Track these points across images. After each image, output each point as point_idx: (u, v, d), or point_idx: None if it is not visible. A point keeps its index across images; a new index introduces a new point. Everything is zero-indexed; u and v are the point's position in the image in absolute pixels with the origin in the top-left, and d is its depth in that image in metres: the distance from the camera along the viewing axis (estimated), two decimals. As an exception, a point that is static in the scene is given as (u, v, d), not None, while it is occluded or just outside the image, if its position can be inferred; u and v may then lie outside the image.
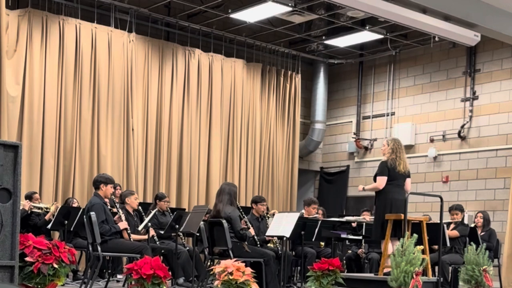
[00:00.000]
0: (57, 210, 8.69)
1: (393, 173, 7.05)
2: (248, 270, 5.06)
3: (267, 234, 8.14)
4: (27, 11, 10.34)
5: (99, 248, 6.80)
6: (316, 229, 8.38)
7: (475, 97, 12.28)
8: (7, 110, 9.91)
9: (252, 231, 7.94)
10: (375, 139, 13.90)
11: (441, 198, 7.31)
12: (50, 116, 10.49)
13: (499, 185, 11.78)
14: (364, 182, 13.73)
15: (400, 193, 7.06)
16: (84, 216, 7.08)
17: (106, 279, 8.33)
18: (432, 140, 12.81)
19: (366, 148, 14.04)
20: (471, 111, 12.28)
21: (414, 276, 5.80)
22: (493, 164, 11.89)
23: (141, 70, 11.56)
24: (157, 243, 8.34)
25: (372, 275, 7.54)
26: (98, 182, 7.18)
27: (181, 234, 8.59)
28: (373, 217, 7.37)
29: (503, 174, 11.72)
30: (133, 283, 4.73)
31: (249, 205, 9.58)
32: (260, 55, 13.31)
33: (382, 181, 7.06)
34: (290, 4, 10.92)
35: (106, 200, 7.27)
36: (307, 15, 11.71)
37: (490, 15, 8.50)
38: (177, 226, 8.09)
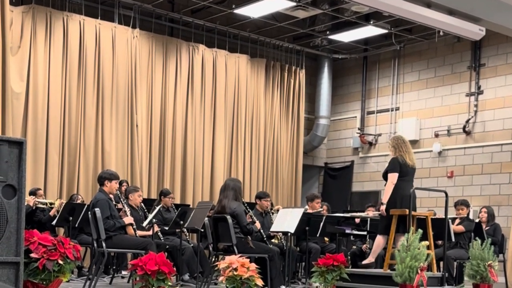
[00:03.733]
0: (62, 207, 8.71)
1: (404, 168, 7.09)
2: (253, 266, 5.05)
3: (271, 229, 8.14)
4: (31, 7, 10.34)
5: (103, 244, 6.81)
6: (321, 225, 8.38)
7: (480, 91, 12.24)
8: (11, 106, 9.92)
9: (258, 225, 7.94)
10: (379, 134, 13.87)
11: (446, 193, 7.30)
12: (54, 112, 10.51)
13: (504, 180, 11.75)
14: (369, 177, 13.79)
15: (409, 189, 7.07)
16: (89, 212, 7.09)
17: (111, 275, 8.36)
18: (437, 135, 12.78)
19: (370, 144, 14.01)
20: (476, 105, 12.25)
21: (419, 271, 5.79)
22: (498, 159, 11.86)
23: (145, 66, 11.55)
24: (162, 239, 8.35)
25: (376, 270, 7.53)
26: (103, 178, 7.18)
27: (185, 230, 8.59)
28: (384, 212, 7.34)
29: (508, 169, 11.69)
30: (138, 279, 4.73)
31: (253, 200, 9.57)
32: (264, 50, 13.29)
33: (393, 178, 7.05)
34: (294, -1, 10.89)
35: (111, 196, 7.27)
36: (311, 10, 11.68)
37: (495, 9, 8.45)
38: (181, 222, 8.10)
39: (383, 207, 7.21)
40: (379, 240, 7.20)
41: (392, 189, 7.06)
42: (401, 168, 7.06)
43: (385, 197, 7.18)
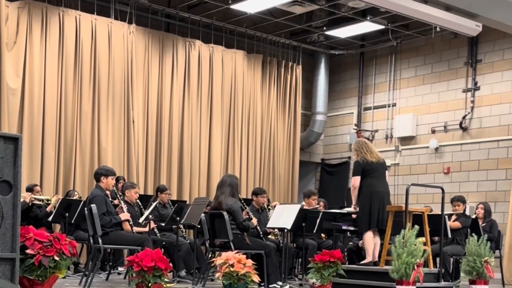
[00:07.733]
0: (58, 202, 8.69)
1: (369, 167, 7.13)
2: (249, 262, 5.05)
3: (268, 226, 8.13)
4: (26, 2, 10.30)
5: (100, 241, 6.80)
6: (317, 221, 8.37)
7: (477, 87, 12.25)
8: (7, 102, 9.90)
9: (254, 221, 7.93)
10: (376, 131, 13.87)
11: (443, 190, 7.31)
12: (50, 108, 10.48)
13: (500, 176, 11.76)
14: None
15: (381, 185, 7.18)
16: (85, 209, 7.07)
17: (107, 272, 8.35)
18: (433, 131, 12.79)
19: (367, 139, 14.00)
20: (472, 101, 12.25)
21: (416, 267, 5.80)
22: (495, 155, 11.87)
23: (141, 62, 11.53)
24: (158, 235, 8.34)
25: (373, 266, 7.53)
26: (99, 174, 7.17)
27: (182, 226, 8.58)
28: (357, 210, 7.37)
29: (505, 165, 11.70)
30: (134, 275, 4.72)
31: (249, 197, 9.57)
32: (261, 46, 13.27)
33: (355, 181, 7.17)
34: (290, -5, 10.87)
35: (108, 192, 7.25)
36: (308, 6, 11.66)
37: (491, 5, 8.44)
38: (178, 218, 8.09)
39: (354, 207, 7.32)
40: (368, 237, 7.20)
41: (364, 187, 7.11)
42: (365, 168, 7.12)
43: (354, 201, 7.27)
